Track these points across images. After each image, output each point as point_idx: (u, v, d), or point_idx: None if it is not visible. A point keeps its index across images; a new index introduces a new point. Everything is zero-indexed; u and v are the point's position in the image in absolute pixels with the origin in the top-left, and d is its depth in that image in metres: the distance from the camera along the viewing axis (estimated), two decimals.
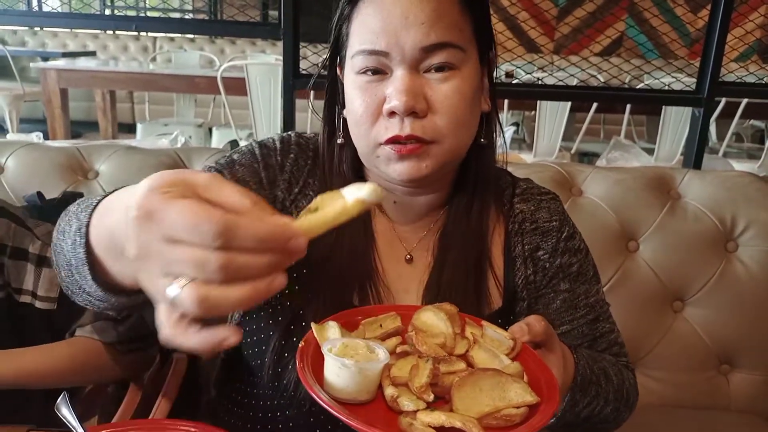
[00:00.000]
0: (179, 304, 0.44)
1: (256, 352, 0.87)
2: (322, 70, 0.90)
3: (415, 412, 0.57)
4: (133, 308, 0.68)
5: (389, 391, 0.59)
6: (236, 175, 0.85)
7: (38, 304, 1.00)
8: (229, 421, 0.90)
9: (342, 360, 0.58)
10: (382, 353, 0.61)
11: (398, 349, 0.66)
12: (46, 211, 1.18)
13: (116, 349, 1.01)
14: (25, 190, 1.33)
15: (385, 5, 0.76)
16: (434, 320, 0.67)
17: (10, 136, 3.62)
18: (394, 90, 0.75)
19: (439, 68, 0.76)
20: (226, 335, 0.46)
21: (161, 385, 1.00)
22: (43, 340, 0.99)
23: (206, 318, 0.46)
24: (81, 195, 1.32)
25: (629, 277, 1.45)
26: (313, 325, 0.67)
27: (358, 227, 0.87)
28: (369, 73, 0.78)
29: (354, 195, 0.49)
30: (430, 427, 0.54)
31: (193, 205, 0.43)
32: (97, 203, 0.59)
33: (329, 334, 0.65)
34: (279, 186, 0.87)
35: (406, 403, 0.57)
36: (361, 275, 0.85)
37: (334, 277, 0.83)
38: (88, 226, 0.59)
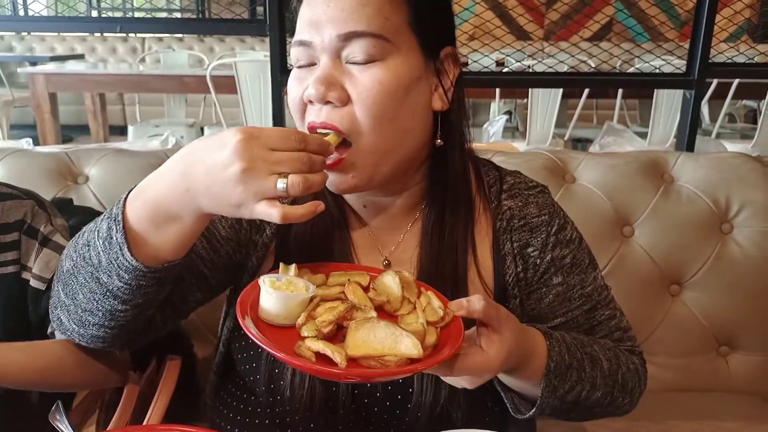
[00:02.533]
0: (288, 190, 0.63)
1: (248, 369, 0.88)
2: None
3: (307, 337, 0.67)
4: (158, 291, 0.76)
5: (300, 320, 0.69)
6: None
7: (32, 282, 1.02)
8: (226, 427, 0.90)
9: (267, 288, 0.69)
10: (310, 290, 0.72)
11: (335, 297, 0.74)
12: None
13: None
14: None
15: None
16: (390, 282, 0.75)
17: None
18: (313, 78, 0.76)
19: (361, 57, 0.75)
20: (318, 203, 0.67)
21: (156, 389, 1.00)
22: (34, 320, 1.02)
23: (299, 197, 0.69)
24: (70, 201, 1.31)
25: (625, 262, 1.44)
26: (281, 264, 0.76)
27: (335, 235, 0.87)
28: (300, 62, 0.79)
29: None
30: (311, 351, 0.64)
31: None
32: (126, 196, 0.71)
33: (290, 273, 0.76)
34: None
35: (306, 330, 0.67)
36: None
37: None
38: (123, 213, 0.70)
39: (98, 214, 1.29)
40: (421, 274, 0.85)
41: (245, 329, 0.66)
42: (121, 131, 6.32)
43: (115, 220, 0.71)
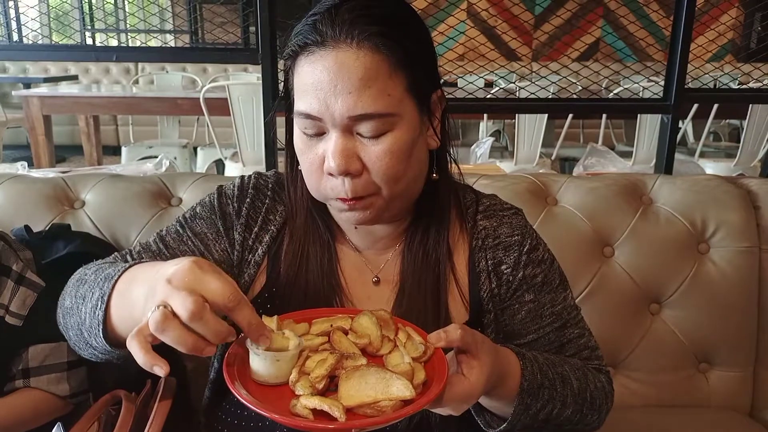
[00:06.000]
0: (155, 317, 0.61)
1: None
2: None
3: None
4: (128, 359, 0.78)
5: (292, 377, 0.69)
6: (195, 229, 0.95)
7: (8, 319, 1.06)
8: None
9: (254, 348, 0.69)
10: (298, 344, 0.71)
11: (321, 347, 0.75)
12: (33, 244, 1.21)
13: (66, 400, 1.11)
14: (12, 223, 1.35)
15: (316, 69, 0.79)
16: (368, 323, 0.77)
17: None
18: (329, 152, 0.80)
19: (371, 134, 0.80)
20: (160, 365, 0.63)
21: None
22: (5, 354, 1.07)
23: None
24: (68, 226, 1.34)
25: (606, 282, 1.48)
26: (263, 317, 0.75)
27: (323, 253, 0.92)
28: (308, 130, 0.82)
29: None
30: (308, 408, 0.64)
31: (220, 288, 0.64)
32: (120, 275, 0.75)
33: (272, 326, 0.74)
34: (236, 230, 0.94)
35: (300, 388, 0.67)
36: (327, 296, 0.90)
37: (301, 301, 0.89)
38: (110, 297, 0.74)
39: (95, 239, 1.34)
40: (405, 290, 0.91)
41: (237, 395, 0.66)
42: (114, 151, 6.35)
43: (101, 299, 0.75)
